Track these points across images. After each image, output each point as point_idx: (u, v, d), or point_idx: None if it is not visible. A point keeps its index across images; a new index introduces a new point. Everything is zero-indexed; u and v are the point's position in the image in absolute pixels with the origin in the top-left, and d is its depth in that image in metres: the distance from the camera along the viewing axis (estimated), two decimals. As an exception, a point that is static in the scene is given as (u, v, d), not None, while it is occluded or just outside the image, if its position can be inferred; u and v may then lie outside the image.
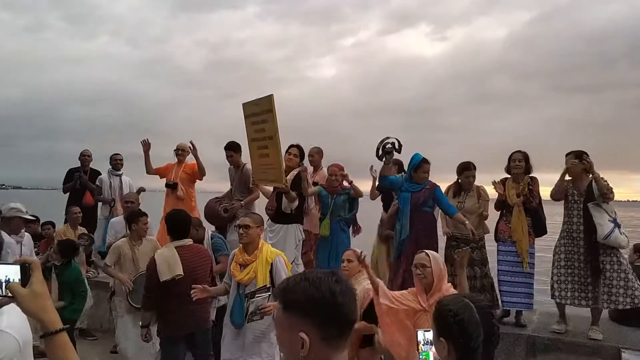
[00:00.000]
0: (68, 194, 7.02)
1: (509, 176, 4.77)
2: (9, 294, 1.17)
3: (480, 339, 1.64)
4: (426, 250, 3.17)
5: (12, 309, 1.29)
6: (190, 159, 6.44)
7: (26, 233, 5.33)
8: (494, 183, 4.81)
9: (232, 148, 5.69)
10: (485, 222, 4.94)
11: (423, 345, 2.06)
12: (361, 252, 3.45)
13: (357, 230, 5.40)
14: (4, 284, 1.18)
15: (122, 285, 4.45)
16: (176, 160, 6.45)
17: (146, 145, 6.28)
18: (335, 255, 4.88)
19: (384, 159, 4.74)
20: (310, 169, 5.73)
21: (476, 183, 4.95)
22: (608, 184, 4.18)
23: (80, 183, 6.86)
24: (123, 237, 4.72)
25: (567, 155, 4.47)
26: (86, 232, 6.16)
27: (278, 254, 3.67)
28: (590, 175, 4.24)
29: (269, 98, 4.78)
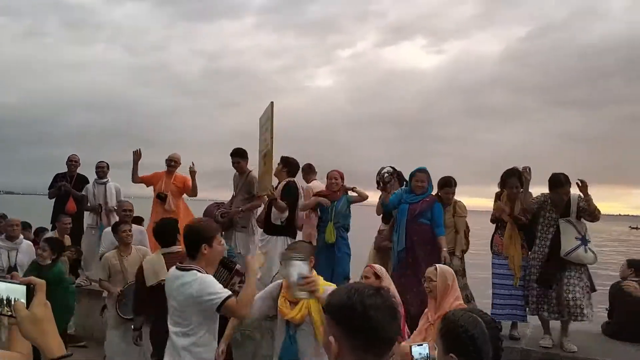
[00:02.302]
0: (54, 199, 6.90)
1: (500, 190, 4.77)
2: (7, 312, 1.13)
3: (490, 353, 1.67)
4: (438, 265, 3.22)
5: None
6: (179, 171, 6.48)
7: (24, 240, 5.33)
8: (498, 208, 4.69)
9: (239, 155, 5.69)
10: (467, 235, 5.00)
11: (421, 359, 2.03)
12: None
13: None
14: (5, 302, 1.13)
15: (112, 299, 4.46)
16: (166, 170, 6.46)
17: (137, 155, 6.30)
18: (335, 263, 4.86)
19: (386, 187, 4.78)
20: (305, 185, 5.76)
21: (457, 198, 4.98)
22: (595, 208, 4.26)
23: (64, 190, 6.73)
24: (115, 247, 4.72)
25: (555, 183, 4.38)
26: (72, 244, 6.11)
27: (327, 284, 2.94)
28: (583, 196, 4.25)
29: (270, 106, 4.88)
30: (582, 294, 4.23)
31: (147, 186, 6.50)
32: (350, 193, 5.26)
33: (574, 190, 4.36)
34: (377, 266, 3.52)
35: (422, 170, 4.75)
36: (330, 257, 4.97)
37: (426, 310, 3.25)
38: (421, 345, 2.05)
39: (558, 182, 4.38)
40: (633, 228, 62.95)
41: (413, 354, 2.02)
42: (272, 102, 4.83)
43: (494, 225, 4.83)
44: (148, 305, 3.75)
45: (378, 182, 4.79)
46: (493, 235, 4.79)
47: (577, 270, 4.29)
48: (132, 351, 4.38)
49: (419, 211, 4.60)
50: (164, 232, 3.87)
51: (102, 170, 6.78)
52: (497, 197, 4.77)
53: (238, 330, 4.99)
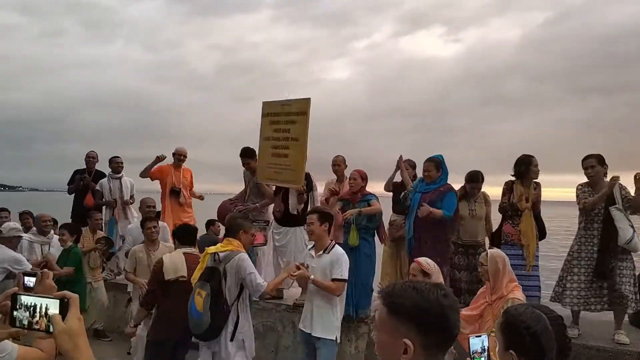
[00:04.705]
0: (73, 195, 7.03)
1: (513, 179, 4.68)
2: (35, 323, 1.15)
3: (554, 352, 1.60)
4: (489, 250, 3.36)
5: None
6: (187, 165, 6.65)
7: (55, 235, 5.56)
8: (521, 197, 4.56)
9: (248, 155, 5.69)
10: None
11: (480, 351, 2.00)
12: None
13: (383, 238, 5.21)
14: (36, 315, 1.16)
15: (138, 292, 4.57)
16: (175, 164, 6.54)
17: (159, 159, 6.44)
18: (358, 266, 4.72)
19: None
20: (333, 177, 5.61)
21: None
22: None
23: (83, 184, 6.86)
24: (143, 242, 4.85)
25: (584, 160, 4.32)
26: (105, 236, 6.22)
27: None
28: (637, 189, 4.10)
29: (307, 101, 4.91)
30: (631, 284, 4.12)
31: (152, 180, 6.59)
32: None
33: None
34: (424, 262, 3.43)
35: (429, 160, 4.73)
36: (353, 260, 4.78)
37: (483, 289, 3.36)
38: (479, 336, 2.02)
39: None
40: None
41: (471, 345, 2.00)
42: (309, 99, 4.89)
43: (502, 215, 4.75)
44: (157, 298, 3.90)
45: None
46: (502, 225, 4.71)
47: (627, 260, 4.17)
48: None
49: (428, 200, 4.59)
50: (185, 235, 4.15)
51: (118, 165, 6.92)
52: (509, 186, 4.66)
53: (260, 322, 5.05)
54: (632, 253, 4.20)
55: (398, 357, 1.19)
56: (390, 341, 1.22)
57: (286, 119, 5.06)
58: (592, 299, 4.23)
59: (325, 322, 3.71)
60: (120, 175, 6.89)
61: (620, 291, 4.09)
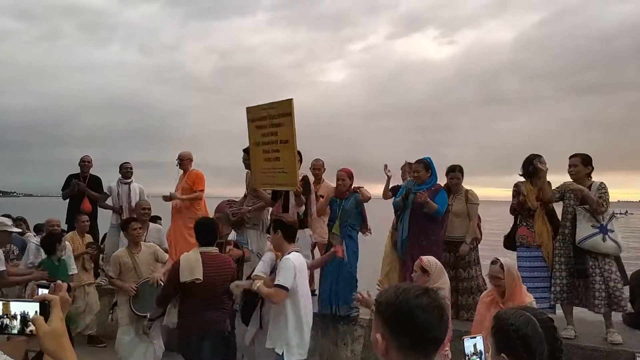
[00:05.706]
0: (68, 200, 6.95)
1: (522, 180, 4.68)
2: (28, 331, 1.15)
3: (544, 355, 1.59)
4: (501, 261, 3.23)
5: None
6: (192, 167, 6.48)
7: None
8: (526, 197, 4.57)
9: (249, 152, 5.64)
10: (480, 225, 5.02)
11: (472, 355, 1.97)
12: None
13: (365, 230, 5.17)
14: (18, 320, 1.16)
15: (124, 296, 4.46)
16: (181, 170, 6.44)
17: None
18: (344, 263, 4.84)
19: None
20: (311, 178, 5.67)
21: (467, 186, 5.04)
22: (600, 199, 4.14)
23: (78, 189, 6.77)
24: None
25: (570, 157, 4.40)
26: (93, 241, 6.16)
27: None
28: (590, 183, 4.22)
29: (289, 102, 4.84)
30: (606, 285, 4.09)
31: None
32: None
33: (596, 177, 4.31)
34: (426, 260, 3.43)
35: (418, 161, 4.86)
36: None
37: (487, 298, 3.35)
38: (474, 337, 1.99)
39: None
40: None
41: (465, 347, 1.97)
42: (291, 99, 4.82)
43: (514, 217, 4.74)
44: (171, 299, 3.89)
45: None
46: (516, 228, 4.70)
47: (602, 260, 4.15)
48: (147, 347, 4.43)
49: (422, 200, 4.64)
50: (203, 232, 3.93)
51: (128, 171, 6.82)
52: (518, 187, 4.66)
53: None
54: (620, 254, 4.21)
55: (377, 352, 1.24)
56: (373, 337, 1.26)
57: (271, 122, 5.00)
58: (566, 294, 4.29)
59: (273, 332, 3.64)
60: (129, 180, 6.79)
61: (593, 291, 4.10)
